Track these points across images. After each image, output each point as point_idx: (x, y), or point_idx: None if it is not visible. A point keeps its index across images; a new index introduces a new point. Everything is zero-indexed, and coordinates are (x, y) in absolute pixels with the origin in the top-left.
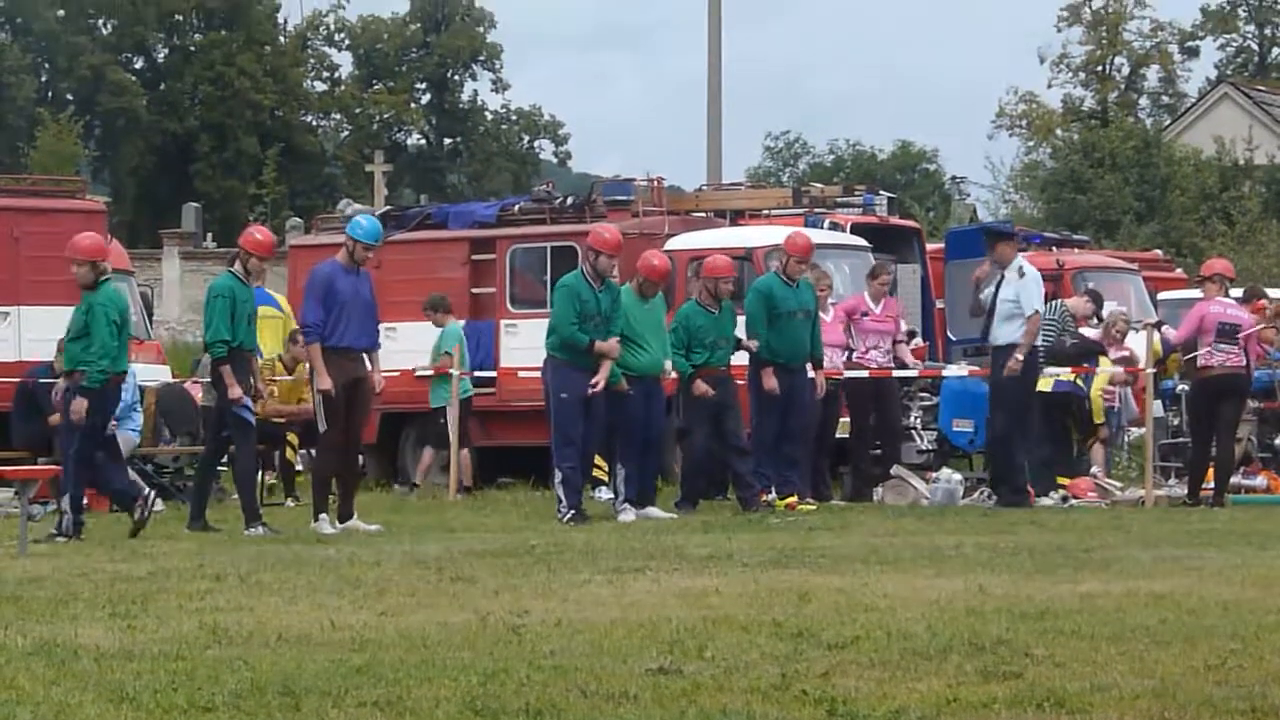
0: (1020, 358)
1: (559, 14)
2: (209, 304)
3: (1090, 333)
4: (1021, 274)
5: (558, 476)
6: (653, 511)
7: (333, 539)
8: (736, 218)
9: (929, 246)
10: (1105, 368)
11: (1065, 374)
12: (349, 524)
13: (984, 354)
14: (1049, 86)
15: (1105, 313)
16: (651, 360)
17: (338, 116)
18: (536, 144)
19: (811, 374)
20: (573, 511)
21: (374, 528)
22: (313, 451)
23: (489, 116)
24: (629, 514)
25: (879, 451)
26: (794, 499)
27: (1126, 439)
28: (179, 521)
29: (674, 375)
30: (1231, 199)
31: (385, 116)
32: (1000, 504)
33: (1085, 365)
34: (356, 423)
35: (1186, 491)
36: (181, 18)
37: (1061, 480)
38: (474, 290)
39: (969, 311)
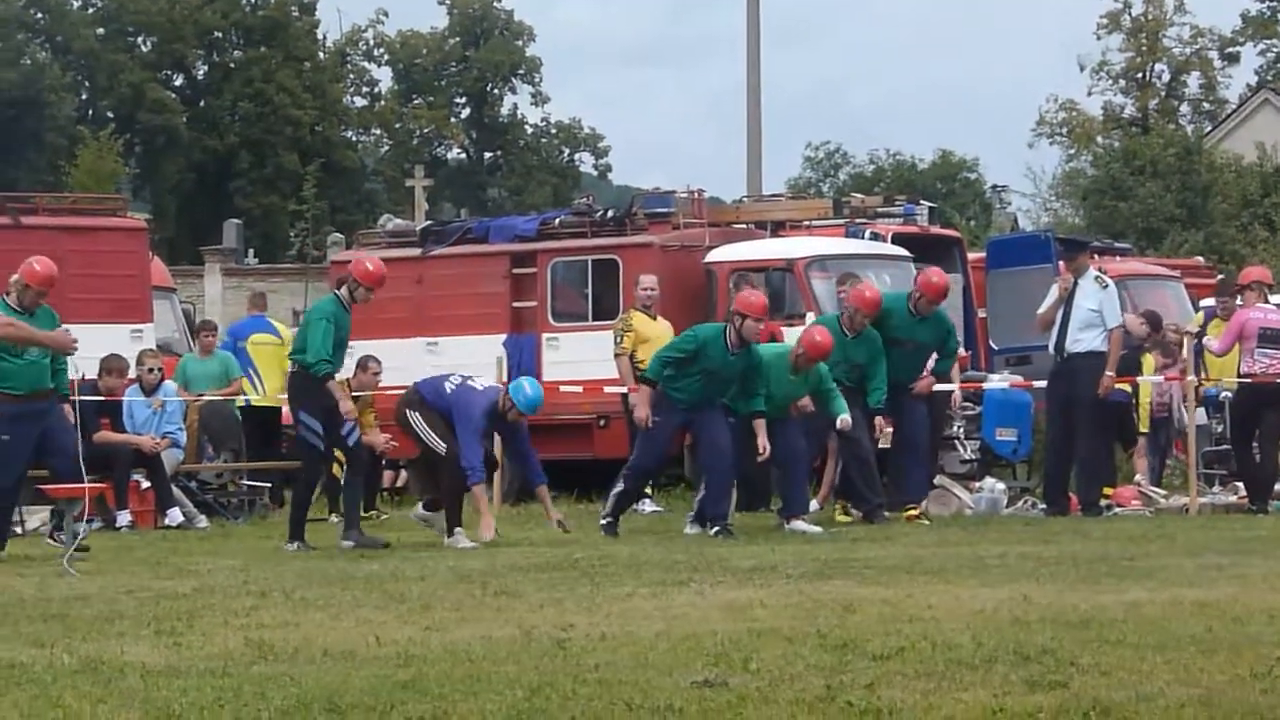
0: (1112, 374)
1: (598, 27)
2: (311, 324)
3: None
4: (1104, 285)
5: (618, 485)
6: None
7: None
8: (777, 229)
9: (970, 256)
10: (1149, 369)
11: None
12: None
13: (1027, 363)
14: (1089, 94)
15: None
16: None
17: (377, 132)
18: (576, 157)
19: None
20: (610, 521)
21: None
22: None
23: (529, 130)
24: (693, 528)
25: None
26: (913, 510)
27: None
28: (223, 538)
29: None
30: (1273, 205)
31: (425, 131)
32: (1088, 514)
33: (1131, 376)
34: None
35: (1247, 498)
36: (220, 35)
37: (1105, 489)
38: (515, 304)
39: (1039, 325)
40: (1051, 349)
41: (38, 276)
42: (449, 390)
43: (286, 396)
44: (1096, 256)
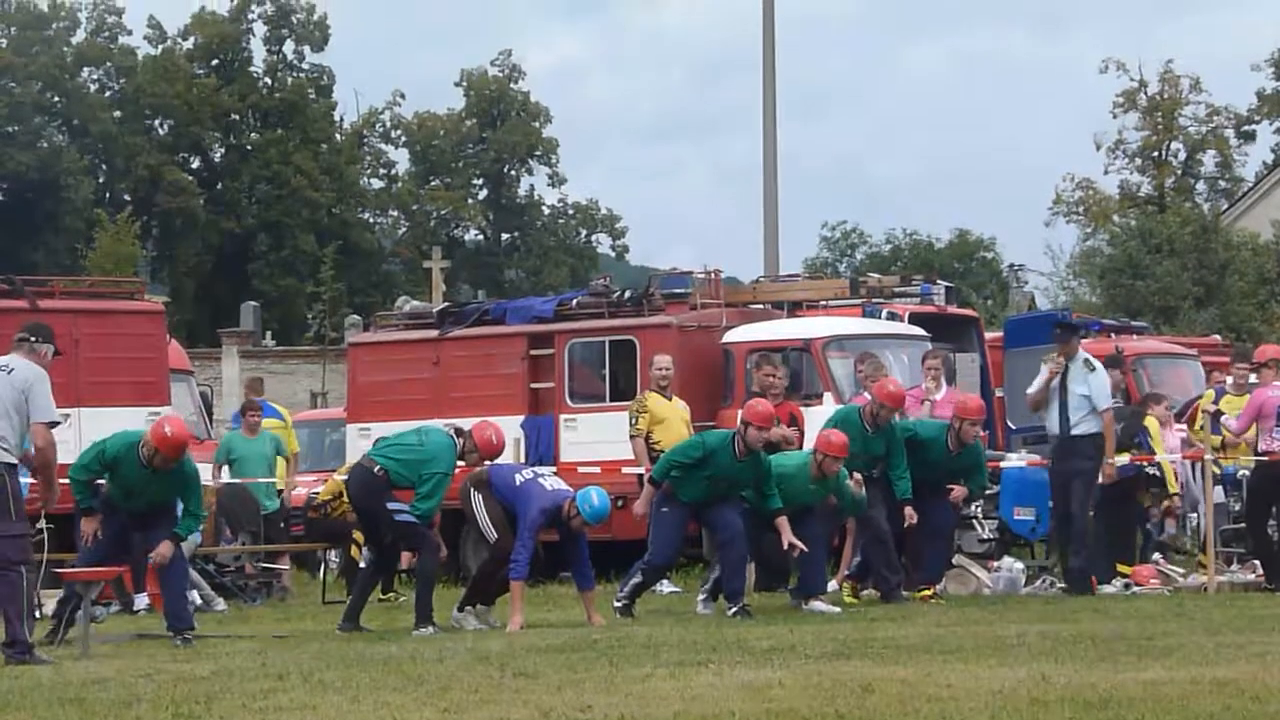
0: (1112, 461)
1: (614, 108)
2: (432, 478)
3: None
4: (1091, 368)
5: (636, 577)
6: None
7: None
8: (794, 309)
9: (987, 335)
10: (1155, 429)
11: (1123, 459)
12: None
13: (1045, 442)
14: (1105, 173)
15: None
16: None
17: (395, 213)
18: (594, 238)
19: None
20: (626, 603)
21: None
22: None
23: (546, 211)
24: (705, 608)
25: None
26: (927, 591)
27: (1189, 525)
28: (241, 621)
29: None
30: None
31: (442, 212)
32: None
33: (1144, 451)
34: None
35: (1264, 578)
36: (238, 117)
37: (1123, 568)
38: (533, 385)
39: (1029, 405)
40: (1056, 428)
41: (168, 443)
42: (518, 482)
43: (358, 492)
44: (1113, 335)
